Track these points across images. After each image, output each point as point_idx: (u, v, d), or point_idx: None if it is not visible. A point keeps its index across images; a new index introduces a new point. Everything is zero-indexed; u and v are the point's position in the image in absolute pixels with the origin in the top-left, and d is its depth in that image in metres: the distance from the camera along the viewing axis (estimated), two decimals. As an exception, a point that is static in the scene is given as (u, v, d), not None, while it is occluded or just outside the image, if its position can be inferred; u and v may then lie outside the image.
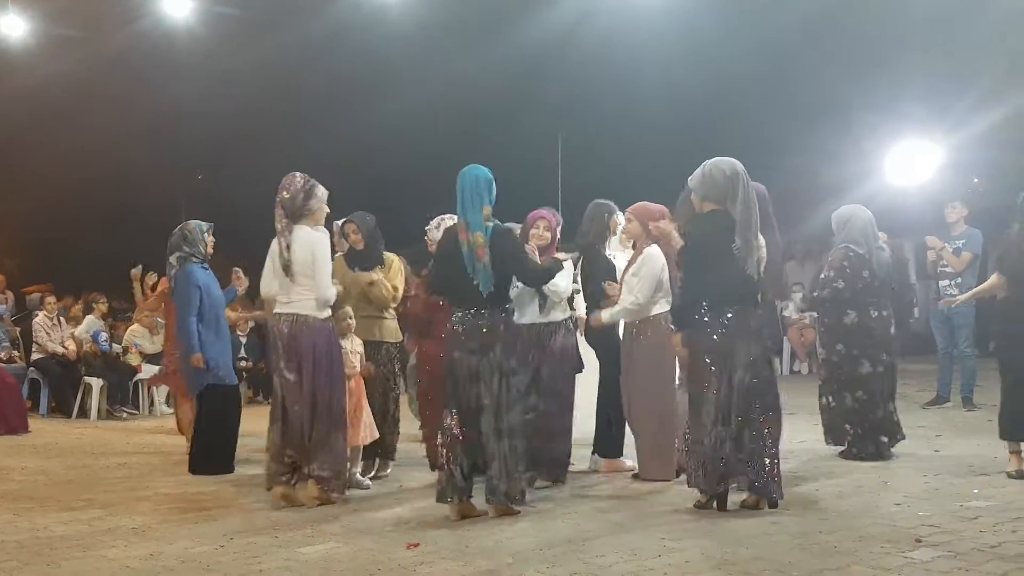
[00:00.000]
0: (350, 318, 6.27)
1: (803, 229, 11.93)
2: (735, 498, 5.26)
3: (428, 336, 6.39)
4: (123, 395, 11.25)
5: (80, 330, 11.52)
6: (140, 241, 11.00)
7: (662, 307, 6.17)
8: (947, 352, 9.07)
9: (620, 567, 4.21)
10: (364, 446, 6.29)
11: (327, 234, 5.95)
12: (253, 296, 8.90)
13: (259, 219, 6.22)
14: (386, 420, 6.61)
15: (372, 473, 6.55)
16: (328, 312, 5.88)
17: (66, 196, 14.90)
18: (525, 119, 12.74)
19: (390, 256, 6.76)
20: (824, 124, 11.81)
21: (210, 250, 7.21)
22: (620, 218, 6.67)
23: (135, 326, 11.48)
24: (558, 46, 11.28)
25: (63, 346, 11.15)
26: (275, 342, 5.82)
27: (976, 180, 13.29)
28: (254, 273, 6.53)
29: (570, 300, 6.42)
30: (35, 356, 11.18)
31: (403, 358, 7.29)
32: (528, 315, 6.14)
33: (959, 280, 8.66)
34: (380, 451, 6.62)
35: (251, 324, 11.57)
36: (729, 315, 5.17)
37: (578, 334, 6.52)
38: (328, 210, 5.97)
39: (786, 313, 13.48)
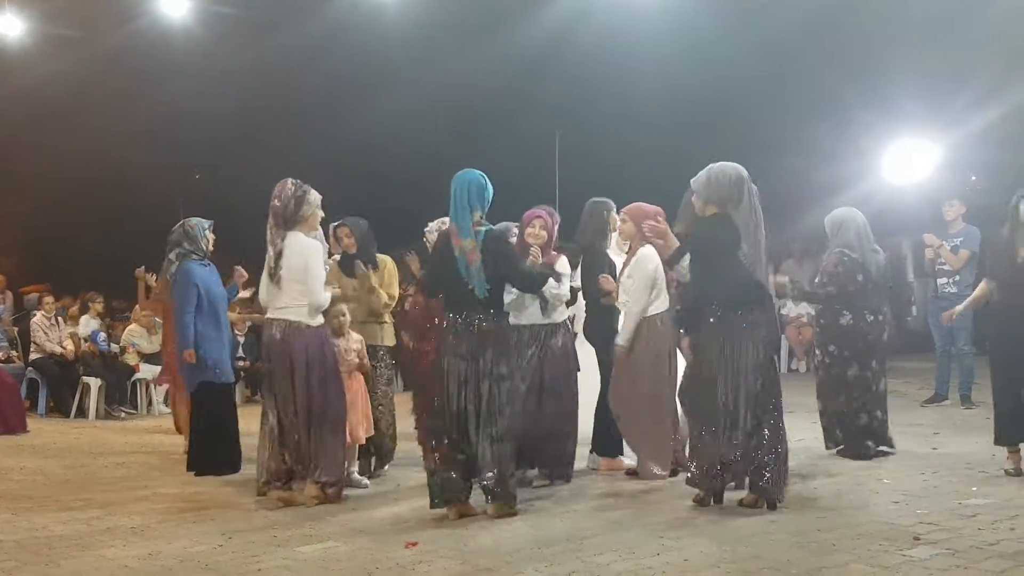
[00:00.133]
0: (343, 315, 6.25)
1: (800, 228, 11.89)
2: (734, 496, 5.26)
3: (425, 340, 6.38)
4: (121, 395, 11.23)
5: (81, 329, 11.52)
6: (138, 241, 10.98)
7: (657, 307, 6.17)
8: (945, 350, 9.07)
9: (618, 565, 4.21)
10: (360, 445, 6.29)
11: (322, 242, 5.93)
12: (253, 295, 8.89)
13: (257, 219, 6.22)
14: (383, 421, 6.60)
15: (370, 473, 6.55)
16: (321, 319, 5.85)
17: (64, 196, 14.85)
18: (523, 118, 12.72)
19: (383, 259, 6.76)
20: (821, 123, 11.79)
21: (211, 247, 7.22)
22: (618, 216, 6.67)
23: (133, 326, 11.49)
24: (556, 45, 11.27)
25: (61, 346, 11.15)
26: (267, 348, 5.82)
27: (974, 178, 13.26)
28: (253, 273, 6.52)
29: (572, 298, 6.42)
30: (33, 356, 11.16)
31: (400, 359, 7.27)
32: (530, 316, 6.14)
33: (957, 278, 8.68)
34: (377, 452, 6.63)
35: (248, 324, 11.56)
36: (737, 317, 5.18)
37: (578, 334, 6.52)
38: (323, 214, 5.95)
39: (784, 311, 13.46)
